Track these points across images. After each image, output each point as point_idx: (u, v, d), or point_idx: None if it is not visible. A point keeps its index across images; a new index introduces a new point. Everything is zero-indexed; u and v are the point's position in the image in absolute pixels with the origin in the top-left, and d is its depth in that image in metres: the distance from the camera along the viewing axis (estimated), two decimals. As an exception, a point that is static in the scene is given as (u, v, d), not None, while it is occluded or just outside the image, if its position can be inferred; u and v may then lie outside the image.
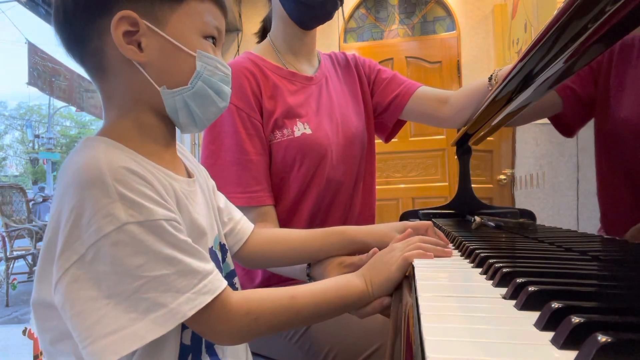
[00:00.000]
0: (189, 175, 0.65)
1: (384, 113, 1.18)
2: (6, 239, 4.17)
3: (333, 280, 0.62)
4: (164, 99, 0.57)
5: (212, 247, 0.64)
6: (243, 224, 0.79)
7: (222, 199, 0.76)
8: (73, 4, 0.54)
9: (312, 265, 0.83)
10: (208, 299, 0.50)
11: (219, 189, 0.78)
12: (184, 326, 0.55)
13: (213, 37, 0.60)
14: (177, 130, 0.63)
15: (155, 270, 0.47)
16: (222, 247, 0.70)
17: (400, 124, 1.21)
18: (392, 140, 1.28)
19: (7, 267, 4.15)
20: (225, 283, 0.53)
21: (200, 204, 0.63)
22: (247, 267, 0.93)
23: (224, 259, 0.69)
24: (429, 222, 0.79)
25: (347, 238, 0.80)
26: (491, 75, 1.03)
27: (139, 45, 0.54)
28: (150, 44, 0.55)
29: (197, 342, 0.58)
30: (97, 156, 0.49)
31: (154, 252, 0.47)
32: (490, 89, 1.02)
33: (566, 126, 0.66)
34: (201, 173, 0.71)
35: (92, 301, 0.45)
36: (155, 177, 0.53)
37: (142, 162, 0.53)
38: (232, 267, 0.72)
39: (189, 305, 0.48)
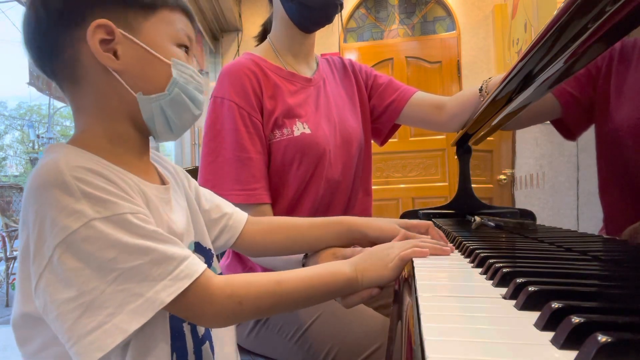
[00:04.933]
0: (163, 182, 0.65)
1: (380, 117, 1.20)
2: (6, 239, 4.17)
3: (320, 267, 0.62)
4: (141, 105, 0.57)
5: None
6: (235, 217, 0.78)
7: (207, 201, 0.75)
8: (46, 16, 0.55)
9: (308, 256, 0.83)
10: (186, 283, 0.49)
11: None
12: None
13: (186, 47, 0.61)
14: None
15: (128, 262, 0.47)
16: (207, 252, 0.69)
17: (395, 127, 1.23)
18: (392, 140, 1.30)
19: (7, 267, 4.15)
20: (203, 267, 0.52)
21: (173, 211, 0.62)
22: (249, 256, 0.93)
23: (209, 264, 0.68)
24: (429, 222, 0.79)
25: (348, 228, 0.80)
26: (482, 86, 1.05)
27: (114, 53, 0.55)
28: (125, 51, 0.56)
29: (181, 341, 0.58)
30: (56, 158, 0.49)
31: (124, 245, 0.47)
32: (481, 99, 1.04)
33: (568, 130, 0.66)
34: (179, 179, 0.70)
35: (67, 302, 0.45)
36: (120, 179, 0.52)
37: (107, 166, 0.53)
38: (219, 271, 0.71)
39: (166, 291, 0.48)
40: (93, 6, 0.54)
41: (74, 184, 0.47)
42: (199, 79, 0.61)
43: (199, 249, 0.67)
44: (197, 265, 0.52)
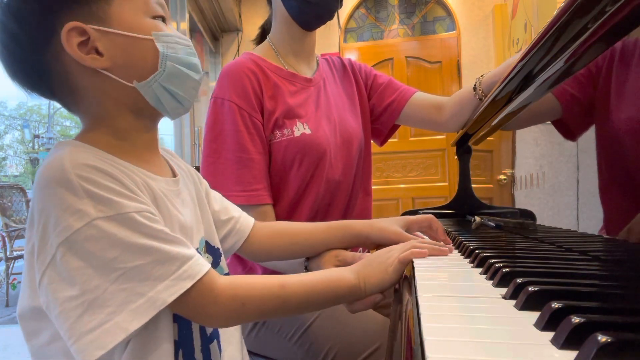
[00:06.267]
0: (174, 175, 0.65)
1: (380, 117, 1.20)
2: (6, 239, 4.17)
3: (324, 272, 0.62)
4: (143, 92, 0.56)
5: (196, 248, 0.63)
6: (243, 221, 0.78)
7: (217, 202, 0.75)
8: (15, 45, 0.54)
9: (310, 259, 0.83)
10: (188, 284, 0.49)
11: (219, 187, 0.78)
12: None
13: (161, 17, 0.59)
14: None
15: (130, 262, 0.47)
16: (216, 251, 0.69)
17: (395, 128, 1.23)
18: (392, 140, 1.30)
19: (7, 267, 4.15)
20: (207, 267, 0.52)
21: (184, 204, 0.63)
22: (253, 261, 0.93)
23: (217, 263, 0.69)
24: (431, 215, 0.79)
25: (351, 232, 0.80)
26: (475, 84, 1.05)
27: (97, 52, 0.54)
28: (106, 45, 0.54)
29: (188, 339, 0.58)
30: (62, 156, 0.49)
31: (127, 244, 0.47)
32: (475, 96, 1.04)
33: (568, 130, 0.66)
34: (190, 176, 0.70)
35: (69, 300, 0.46)
36: (125, 174, 0.52)
37: (112, 161, 0.53)
38: (226, 270, 0.71)
39: (168, 292, 0.48)
40: (56, 12, 0.53)
41: (77, 182, 0.47)
42: (185, 42, 0.60)
43: (207, 247, 0.68)
44: (200, 265, 0.51)
